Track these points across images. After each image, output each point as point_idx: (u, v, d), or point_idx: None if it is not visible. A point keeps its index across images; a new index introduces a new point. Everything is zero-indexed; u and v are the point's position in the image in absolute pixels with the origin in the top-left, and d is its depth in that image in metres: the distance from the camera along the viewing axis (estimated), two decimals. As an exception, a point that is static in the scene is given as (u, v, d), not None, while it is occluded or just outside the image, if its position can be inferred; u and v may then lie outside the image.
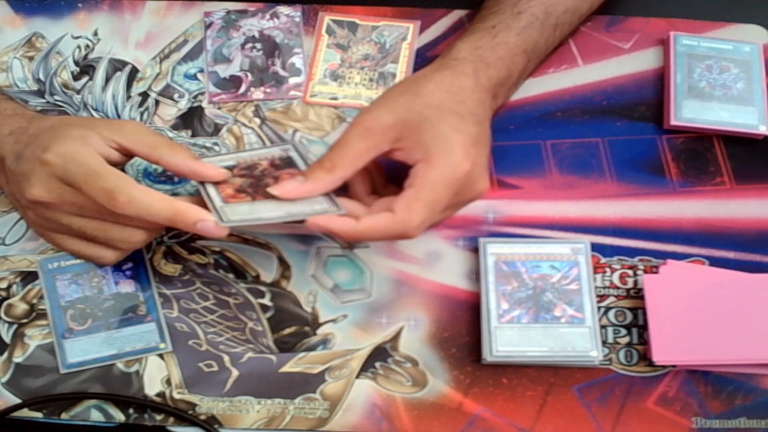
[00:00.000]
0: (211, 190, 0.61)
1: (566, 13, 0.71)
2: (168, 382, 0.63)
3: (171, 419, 0.62)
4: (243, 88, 0.75)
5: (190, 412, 0.62)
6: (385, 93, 0.62)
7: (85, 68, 0.76)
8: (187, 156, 0.61)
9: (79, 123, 0.62)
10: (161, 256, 0.68)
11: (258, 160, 0.64)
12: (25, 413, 0.62)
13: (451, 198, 0.59)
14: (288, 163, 0.64)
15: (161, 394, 0.63)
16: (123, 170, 0.62)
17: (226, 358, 0.64)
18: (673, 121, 0.71)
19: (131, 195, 0.57)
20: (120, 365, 0.64)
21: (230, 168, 0.63)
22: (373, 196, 0.63)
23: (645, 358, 0.64)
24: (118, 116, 0.74)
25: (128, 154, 0.61)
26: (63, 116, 0.66)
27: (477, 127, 0.61)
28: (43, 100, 0.74)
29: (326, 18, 0.78)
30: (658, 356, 0.62)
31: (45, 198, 0.58)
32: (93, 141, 0.59)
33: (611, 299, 0.66)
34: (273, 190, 0.60)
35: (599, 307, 0.65)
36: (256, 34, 0.77)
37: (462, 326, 0.65)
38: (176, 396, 0.63)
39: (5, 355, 0.64)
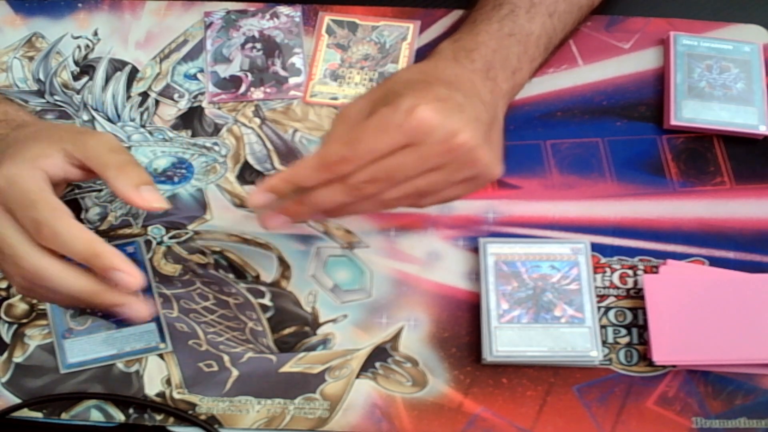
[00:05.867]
0: None
1: (559, 1, 0.70)
2: (168, 382, 0.63)
3: (171, 419, 0.62)
4: (243, 88, 0.75)
5: (190, 412, 0.62)
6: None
7: (85, 68, 0.76)
8: (130, 183, 0.57)
9: (47, 136, 0.59)
10: (161, 256, 0.68)
11: None
12: (25, 413, 0.62)
13: (413, 151, 0.56)
14: None
15: (161, 394, 0.63)
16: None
17: (226, 358, 0.64)
18: (673, 121, 0.71)
19: (56, 229, 0.55)
20: (120, 365, 0.64)
21: None
22: None
23: (645, 358, 0.63)
24: (118, 116, 0.74)
25: (88, 173, 0.59)
26: (42, 125, 0.63)
27: (447, 90, 0.58)
28: (43, 100, 0.74)
29: (326, 18, 0.78)
30: (658, 356, 0.62)
31: None
32: (46, 163, 0.57)
33: (611, 299, 0.66)
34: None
35: (599, 307, 0.65)
36: (256, 34, 0.77)
37: (462, 326, 0.65)
38: (176, 396, 0.63)
39: (5, 355, 0.64)
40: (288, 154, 0.72)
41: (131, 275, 0.55)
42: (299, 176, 0.58)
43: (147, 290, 0.66)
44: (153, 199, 0.57)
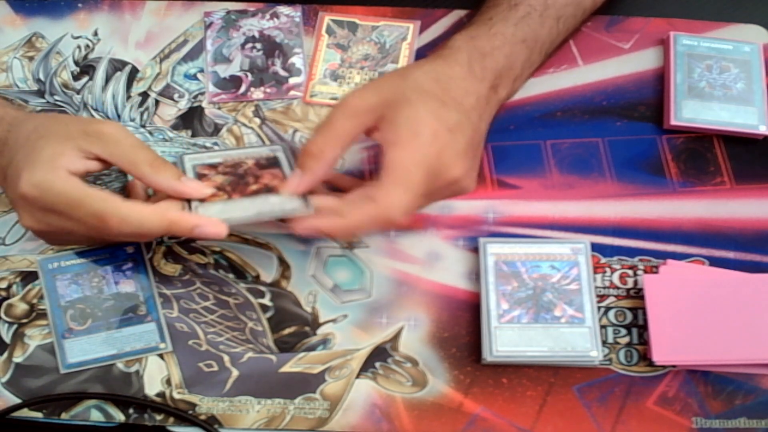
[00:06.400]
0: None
1: (568, 5, 0.70)
2: (168, 382, 0.63)
3: (171, 419, 0.62)
4: (243, 88, 0.75)
5: (190, 412, 0.62)
6: (375, 78, 0.62)
7: (85, 68, 0.76)
8: (171, 176, 0.60)
9: (54, 134, 0.60)
10: (161, 256, 0.68)
11: (245, 158, 0.65)
12: (25, 413, 0.62)
13: (427, 182, 0.58)
14: (273, 163, 0.65)
15: (161, 394, 0.63)
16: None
17: (226, 358, 0.64)
18: (673, 121, 0.71)
19: (122, 215, 0.57)
20: (120, 365, 0.64)
21: (214, 165, 0.64)
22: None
23: (645, 358, 0.63)
24: (118, 116, 0.74)
25: (108, 163, 0.61)
26: (38, 120, 0.63)
27: (459, 115, 0.60)
28: (43, 100, 0.74)
29: (326, 18, 0.78)
30: (658, 356, 0.62)
31: (35, 227, 0.60)
32: (63, 162, 0.58)
33: (611, 299, 0.66)
34: (284, 190, 0.61)
35: (599, 307, 0.65)
36: (256, 34, 0.77)
37: (462, 326, 0.65)
38: (176, 396, 0.63)
39: (5, 355, 0.64)
40: (293, 157, 0.71)
41: (214, 225, 0.59)
42: (356, 226, 0.59)
43: (147, 290, 0.66)
44: (197, 186, 0.61)
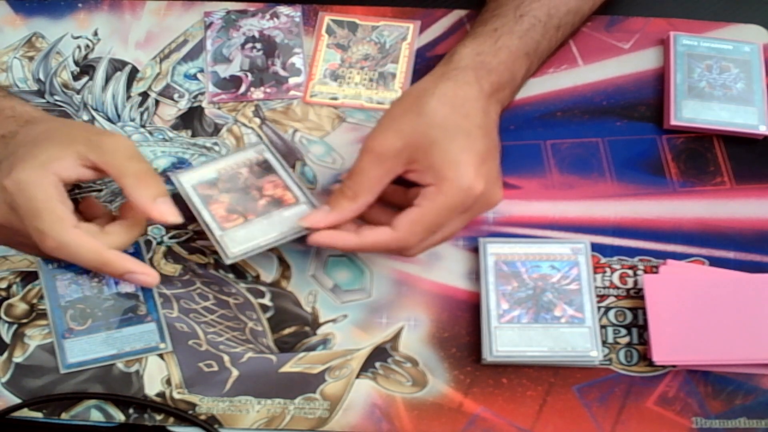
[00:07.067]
0: (206, 215, 0.64)
1: (569, 14, 0.71)
2: (168, 382, 0.63)
3: (171, 419, 0.62)
4: (243, 88, 0.75)
5: (190, 412, 0.62)
6: (388, 112, 0.61)
7: (85, 68, 0.76)
8: (148, 195, 0.59)
9: (60, 137, 0.60)
10: (161, 256, 0.68)
11: (236, 168, 0.67)
12: (25, 413, 0.62)
13: (462, 217, 0.60)
14: (266, 168, 0.67)
15: (161, 394, 0.63)
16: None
17: (226, 358, 0.64)
18: (673, 121, 0.71)
19: (61, 241, 0.57)
20: (120, 365, 0.64)
21: (213, 181, 0.66)
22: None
23: (645, 358, 0.63)
24: (118, 117, 0.74)
25: (103, 172, 0.60)
26: (53, 123, 0.64)
27: (485, 140, 0.61)
28: (43, 100, 0.74)
29: (326, 18, 0.78)
30: (658, 356, 0.62)
31: None
32: (58, 166, 0.58)
33: (611, 299, 0.66)
34: (303, 222, 0.62)
35: (599, 307, 0.65)
36: (256, 34, 0.77)
37: (462, 326, 0.65)
38: (176, 396, 0.63)
39: (5, 355, 0.64)
40: (288, 154, 0.72)
41: (146, 274, 0.60)
42: (368, 248, 0.61)
43: (147, 290, 0.66)
44: (168, 212, 0.60)
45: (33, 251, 0.64)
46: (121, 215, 0.62)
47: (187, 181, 0.66)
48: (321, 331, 0.65)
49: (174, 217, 0.60)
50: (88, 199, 0.66)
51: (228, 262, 0.63)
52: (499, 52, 0.66)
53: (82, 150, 0.59)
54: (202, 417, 0.62)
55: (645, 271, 0.67)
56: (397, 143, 0.59)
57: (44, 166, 0.58)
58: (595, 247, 0.67)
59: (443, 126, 0.59)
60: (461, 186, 0.58)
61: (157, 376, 0.63)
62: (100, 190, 0.70)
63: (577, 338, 0.63)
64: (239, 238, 0.63)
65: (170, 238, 0.68)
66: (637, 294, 0.66)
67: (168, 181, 0.70)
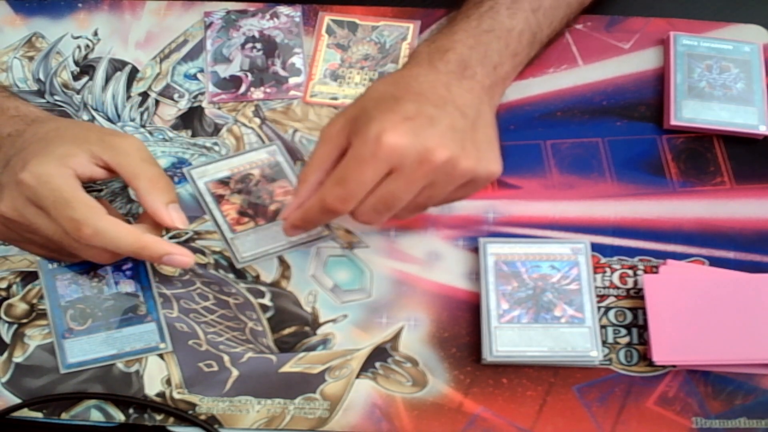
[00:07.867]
0: (218, 216, 0.67)
1: None
2: (168, 382, 0.63)
3: (171, 419, 0.62)
4: (243, 88, 0.75)
5: (190, 412, 0.62)
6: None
7: (85, 68, 0.76)
8: (161, 200, 0.60)
9: (72, 135, 0.61)
10: (161, 256, 0.68)
11: (249, 168, 0.69)
12: (25, 413, 0.62)
13: (410, 180, 0.57)
14: (278, 171, 0.69)
15: (161, 394, 0.63)
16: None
17: (226, 358, 0.64)
18: (673, 121, 0.71)
19: (97, 228, 0.57)
20: (120, 365, 0.64)
21: (225, 180, 0.68)
22: None
23: (645, 358, 0.63)
24: (118, 116, 0.74)
25: (115, 173, 0.61)
26: (62, 122, 0.64)
27: (416, 104, 0.58)
28: (43, 100, 0.74)
29: (326, 18, 0.78)
30: (658, 356, 0.62)
31: (9, 215, 0.59)
32: (74, 162, 0.58)
33: (611, 299, 0.66)
34: (279, 217, 0.64)
35: (599, 307, 0.65)
36: (256, 34, 0.77)
37: (462, 326, 0.65)
38: (176, 396, 0.63)
39: (5, 355, 0.64)
40: (288, 154, 0.72)
41: (184, 255, 0.61)
42: (310, 218, 0.61)
43: (147, 290, 0.66)
44: (179, 219, 0.61)
45: (39, 249, 0.63)
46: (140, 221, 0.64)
47: (198, 176, 0.68)
48: (321, 331, 0.65)
49: (183, 223, 0.61)
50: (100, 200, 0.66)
51: (239, 266, 0.66)
52: (455, 35, 0.65)
53: (96, 149, 0.59)
54: (202, 417, 0.62)
55: (645, 271, 0.67)
56: (341, 121, 0.60)
57: (61, 161, 0.58)
58: (595, 247, 0.67)
59: (377, 98, 0.60)
60: (367, 137, 0.56)
61: (157, 376, 0.63)
62: (100, 190, 0.70)
63: (577, 338, 0.63)
64: (249, 243, 0.66)
65: (170, 238, 0.68)
66: (637, 294, 0.66)
67: (173, 176, 0.71)
